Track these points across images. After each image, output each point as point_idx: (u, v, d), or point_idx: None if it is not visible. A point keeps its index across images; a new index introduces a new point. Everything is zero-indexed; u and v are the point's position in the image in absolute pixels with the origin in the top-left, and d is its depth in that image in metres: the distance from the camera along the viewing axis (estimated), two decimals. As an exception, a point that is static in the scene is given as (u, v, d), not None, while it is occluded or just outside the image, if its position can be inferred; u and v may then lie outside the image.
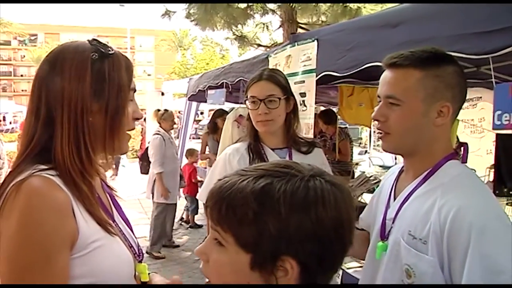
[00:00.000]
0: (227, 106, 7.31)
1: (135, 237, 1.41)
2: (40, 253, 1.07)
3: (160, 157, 6.19)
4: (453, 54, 2.08)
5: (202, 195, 2.45)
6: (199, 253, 0.96)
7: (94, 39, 1.26)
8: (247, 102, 2.27)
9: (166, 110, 6.66)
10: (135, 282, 1.33)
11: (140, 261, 1.36)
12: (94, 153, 1.24)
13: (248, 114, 2.31)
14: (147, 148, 6.79)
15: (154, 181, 6.28)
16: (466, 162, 1.48)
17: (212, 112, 8.12)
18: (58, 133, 1.18)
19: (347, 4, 8.72)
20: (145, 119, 10.55)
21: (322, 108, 7.89)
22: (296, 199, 0.84)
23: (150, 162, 6.42)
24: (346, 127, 7.36)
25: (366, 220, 1.73)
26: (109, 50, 1.24)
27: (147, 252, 6.14)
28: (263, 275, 0.86)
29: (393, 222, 1.48)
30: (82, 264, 1.14)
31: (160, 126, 6.47)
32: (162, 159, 6.19)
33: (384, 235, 1.51)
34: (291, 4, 8.68)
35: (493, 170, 4.29)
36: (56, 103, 1.18)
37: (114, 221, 1.32)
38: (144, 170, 6.96)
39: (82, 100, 1.18)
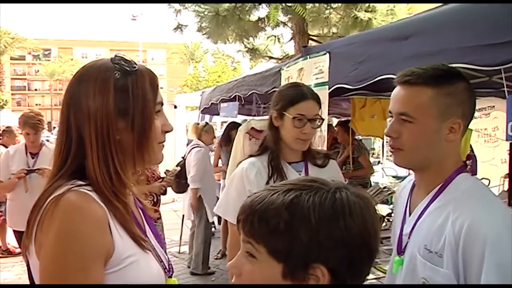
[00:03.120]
0: (239, 118, 7.32)
1: (166, 252, 1.43)
2: (76, 264, 1.10)
3: (201, 171, 5.88)
4: (464, 66, 2.11)
5: (219, 209, 2.48)
6: (231, 267, 0.99)
7: (116, 56, 1.27)
8: (292, 118, 2.22)
9: (206, 123, 6.46)
10: None
11: (170, 276, 1.38)
12: (124, 170, 1.25)
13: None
14: (181, 163, 6.21)
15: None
16: (475, 174, 1.50)
17: (225, 124, 8.05)
18: (88, 153, 1.20)
19: (358, 15, 8.73)
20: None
21: (335, 119, 7.89)
22: (324, 209, 0.90)
23: (187, 179, 6.00)
24: (361, 140, 7.35)
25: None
26: (133, 67, 1.25)
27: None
28: (295, 284, 0.91)
29: (409, 237, 1.50)
30: (117, 279, 1.16)
31: (200, 139, 6.15)
32: (202, 174, 5.88)
33: (400, 250, 1.54)
34: (302, 16, 8.71)
35: (507, 179, 4.27)
36: (83, 123, 1.21)
37: (146, 236, 1.34)
38: (182, 188, 6.16)
39: (107, 120, 1.20)
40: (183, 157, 6.34)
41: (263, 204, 0.93)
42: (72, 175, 1.21)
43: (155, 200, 4.61)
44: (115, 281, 1.16)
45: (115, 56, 1.27)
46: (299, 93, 2.27)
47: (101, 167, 1.20)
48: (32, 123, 4.59)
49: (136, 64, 1.27)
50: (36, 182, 4.48)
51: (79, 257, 1.10)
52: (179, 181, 6.07)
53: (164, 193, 5.06)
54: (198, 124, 6.52)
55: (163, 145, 1.36)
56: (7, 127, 8.37)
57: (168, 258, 1.42)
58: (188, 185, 6.00)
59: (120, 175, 1.23)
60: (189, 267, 6.19)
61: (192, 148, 6.11)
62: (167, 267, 1.37)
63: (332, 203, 0.90)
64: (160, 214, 4.77)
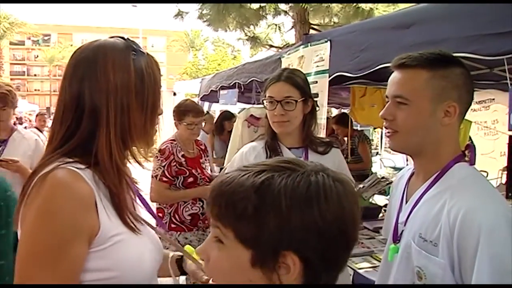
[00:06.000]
0: (239, 106, 7.29)
1: (157, 232, 1.44)
2: (53, 241, 1.09)
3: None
4: (467, 55, 2.09)
5: None
6: (200, 252, 0.95)
7: (128, 39, 1.30)
8: (264, 101, 2.29)
9: (207, 112, 6.45)
10: (157, 279, 1.35)
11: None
12: (132, 148, 1.28)
13: (266, 112, 2.33)
14: None
15: None
16: (474, 164, 1.48)
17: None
18: (103, 129, 1.20)
19: (360, 5, 8.69)
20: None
21: (334, 111, 7.84)
22: (297, 193, 0.83)
23: None
24: (362, 130, 7.30)
25: (387, 230, 1.73)
26: (143, 50, 1.29)
27: None
28: (265, 272, 0.85)
29: (404, 225, 1.49)
30: (102, 258, 1.16)
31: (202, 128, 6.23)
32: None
33: (396, 238, 1.53)
34: (303, 5, 8.67)
35: (505, 172, 4.27)
36: (101, 100, 1.20)
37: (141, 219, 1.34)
38: None
39: (127, 97, 1.22)
40: None
41: (231, 186, 0.86)
42: (69, 153, 1.20)
43: (203, 205, 3.66)
44: (101, 259, 1.16)
45: (127, 38, 1.31)
46: (272, 77, 2.30)
47: (118, 145, 1.21)
48: None
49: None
50: None
51: (56, 234, 1.09)
52: None
53: None
54: None
55: (156, 130, 1.38)
56: None
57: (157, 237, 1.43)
58: None
59: (130, 153, 1.27)
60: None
61: None
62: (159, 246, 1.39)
63: (306, 187, 0.84)
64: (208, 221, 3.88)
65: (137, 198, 1.43)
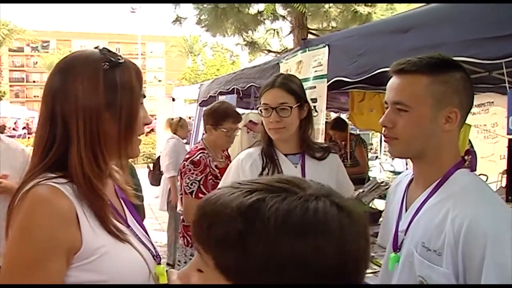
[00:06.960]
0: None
1: (151, 240, 1.42)
2: (31, 255, 1.10)
3: (174, 160, 5.72)
4: (465, 59, 2.08)
5: None
6: (181, 276, 0.82)
7: (104, 48, 1.27)
8: (259, 108, 2.27)
9: (181, 118, 6.50)
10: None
11: (159, 263, 1.37)
12: (108, 161, 1.26)
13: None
14: (158, 157, 6.47)
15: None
16: (475, 170, 1.46)
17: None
18: (74, 143, 1.19)
19: (358, 9, 8.71)
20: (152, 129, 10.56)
21: (333, 115, 7.82)
22: (290, 220, 0.70)
23: (162, 172, 6.09)
24: (359, 134, 7.29)
25: (384, 237, 1.71)
26: (119, 59, 1.25)
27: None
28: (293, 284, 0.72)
29: (405, 234, 1.47)
30: (92, 271, 1.16)
31: (176, 134, 6.22)
32: (176, 163, 5.52)
33: (396, 247, 1.50)
34: (302, 9, 8.69)
35: (505, 175, 4.25)
36: (70, 113, 1.19)
37: (128, 226, 1.33)
38: (155, 181, 6.57)
39: (96, 110, 1.20)
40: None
41: (216, 205, 0.74)
42: (51, 167, 1.20)
43: None
44: (90, 272, 1.16)
45: (103, 48, 1.28)
46: (267, 83, 2.28)
47: (89, 157, 1.20)
48: None
49: (121, 56, 1.28)
50: None
51: (34, 248, 1.10)
52: (154, 172, 6.32)
53: None
54: (172, 119, 6.55)
55: (141, 140, 1.36)
56: None
57: (154, 245, 1.41)
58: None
59: (107, 163, 1.25)
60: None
61: (167, 140, 6.26)
62: (154, 253, 1.37)
63: (302, 215, 0.70)
64: None
65: (124, 208, 1.41)
